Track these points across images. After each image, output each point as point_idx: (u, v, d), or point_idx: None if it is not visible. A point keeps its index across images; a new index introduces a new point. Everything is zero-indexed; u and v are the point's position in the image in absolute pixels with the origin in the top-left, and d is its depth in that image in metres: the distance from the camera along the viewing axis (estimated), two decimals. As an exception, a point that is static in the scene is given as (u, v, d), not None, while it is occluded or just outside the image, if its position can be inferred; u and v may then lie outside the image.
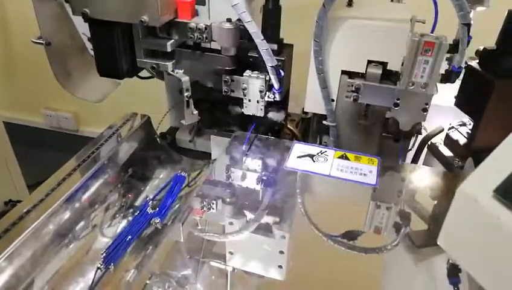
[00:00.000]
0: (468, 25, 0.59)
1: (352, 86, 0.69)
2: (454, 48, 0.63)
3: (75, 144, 2.03)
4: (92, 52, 0.79)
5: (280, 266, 0.59)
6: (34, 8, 0.74)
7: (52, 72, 0.80)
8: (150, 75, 0.84)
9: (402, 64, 0.66)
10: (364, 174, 0.66)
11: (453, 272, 0.58)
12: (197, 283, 0.58)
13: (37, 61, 1.75)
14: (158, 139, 0.82)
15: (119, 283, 0.57)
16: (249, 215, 0.65)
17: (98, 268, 0.58)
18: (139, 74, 0.88)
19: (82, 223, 0.63)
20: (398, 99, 0.66)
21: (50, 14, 0.76)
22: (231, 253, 0.61)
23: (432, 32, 0.69)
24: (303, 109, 0.94)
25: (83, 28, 0.77)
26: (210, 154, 0.87)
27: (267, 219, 0.65)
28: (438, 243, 0.45)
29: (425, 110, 0.65)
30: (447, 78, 0.66)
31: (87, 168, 0.68)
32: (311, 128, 0.86)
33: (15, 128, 1.71)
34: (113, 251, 0.62)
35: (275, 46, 0.68)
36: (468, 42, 0.61)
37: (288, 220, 0.66)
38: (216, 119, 0.83)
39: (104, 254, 0.60)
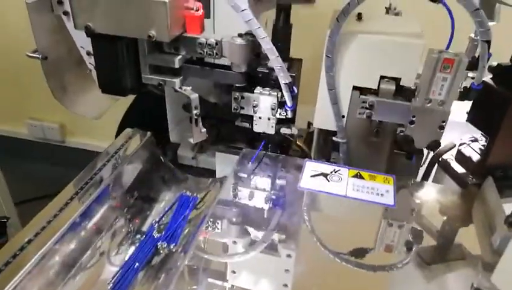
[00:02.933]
0: (489, 42, 0.58)
1: (365, 102, 0.67)
2: (472, 65, 0.62)
3: (61, 155, 1.98)
4: (90, 67, 0.76)
5: (285, 285, 0.56)
6: (30, 21, 0.70)
7: (43, 84, 0.76)
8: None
9: (417, 80, 0.64)
10: (381, 195, 0.64)
11: (478, 296, 0.56)
12: None
13: (20, 71, 1.70)
14: (162, 158, 0.79)
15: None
16: (256, 235, 0.63)
17: (106, 300, 0.54)
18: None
19: (89, 252, 0.60)
20: (413, 116, 0.64)
21: (47, 27, 0.72)
22: (234, 272, 0.59)
23: (447, 48, 0.67)
24: (308, 123, 0.93)
25: (81, 41, 0.73)
26: (213, 171, 0.84)
27: (273, 237, 0.63)
28: (492, 280, 0.43)
29: (441, 127, 0.64)
30: (465, 95, 0.65)
31: (90, 193, 0.64)
32: (317, 144, 0.84)
33: (-2, 139, 1.65)
34: (121, 280, 0.58)
35: (286, 65, 0.66)
36: (488, 59, 0.60)
37: (294, 238, 0.64)
38: (221, 136, 0.80)
39: (111, 285, 0.57)
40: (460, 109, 0.72)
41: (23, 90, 1.78)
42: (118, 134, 0.97)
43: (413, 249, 0.62)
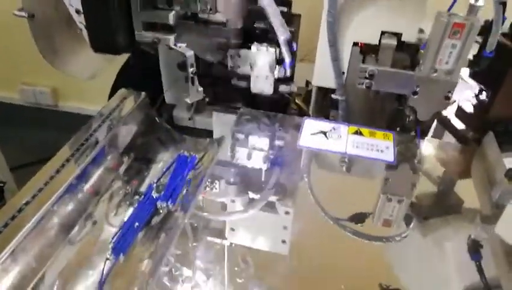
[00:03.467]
0: (504, 4, 0.54)
1: (365, 71, 0.65)
2: (484, 30, 0.58)
3: (54, 120, 1.95)
4: (80, 26, 0.73)
5: (284, 241, 0.57)
6: (14, -23, 0.67)
7: (34, 46, 0.74)
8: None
9: (419, 34, 0.62)
10: (381, 151, 0.64)
11: (475, 248, 0.57)
12: (195, 260, 0.57)
13: (9, 34, 1.64)
14: (158, 119, 0.77)
15: (134, 273, 0.53)
16: (255, 194, 0.63)
17: (107, 259, 0.55)
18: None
19: (87, 214, 0.59)
20: (417, 86, 0.61)
21: (32, -17, 0.69)
22: (232, 230, 0.59)
23: (449, 10, 0.65)
24: (306, 81, 0.91)
25: (69, -2, 0.70)
26: (210, 131, 0.83)
27: (272, 196, 0.63)
28: (496, 231, 0.43)
29: (447, 98, 0.61)
30: (476, 63, 0.62)
31: (85, 154, 0.63)
32: (316, 102, 0.82)
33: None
34: (121, 239, 0.58)
35: (285, 9, 0.63)
36: (503, 23, 0.57)
37: (293, 196, 0.64)
38: (218, 96, 0.79)
39: (112, 244, 0.57)
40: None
41: (13, 55, 1.73)
42: (110, 97, 0.95)
43: (412, 224, 0.62)
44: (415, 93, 0.62)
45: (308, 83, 0.91)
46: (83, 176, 0.61)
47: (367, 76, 0.64)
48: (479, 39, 0.62)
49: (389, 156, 0.63)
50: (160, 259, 0.55)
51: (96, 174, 0.63)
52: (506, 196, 0.56)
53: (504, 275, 0.52)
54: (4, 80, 1.85)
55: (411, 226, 0.60)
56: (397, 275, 0.55)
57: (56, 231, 0.55)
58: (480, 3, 0.57)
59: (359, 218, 0.61)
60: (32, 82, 1.83)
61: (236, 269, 0.57)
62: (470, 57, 0.61)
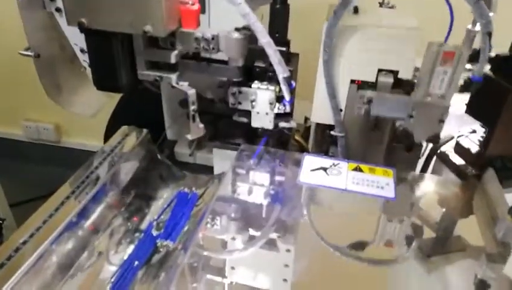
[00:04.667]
0: (490, 34, 0.57)
1: (363, 97, 0.67)
2: (471, 57, 0.61)
3: (57, 156, 1.96)
4: (84, 64, 0.75)
5: (285, 280, 0.56)
6: (21, 19, 0.69)
7: (38, 83, 0.75)
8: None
9: (415, 73, 0.64)
10: (382, 187, 0.64)
11: (483, 288, 0.56)
12: None
13: (13, 71, 1.68)
14: (159, 155, 0.78)
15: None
16: (255, 231, 0.62)
17: (106, 299, 0.54)
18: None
19: (86, 253, 0.59)
20: (413, 110, 0.63)
21: (39, 24, 0.71)
22: (233, 268, 0.58)
23: (445, 41, 0.67)
24: (305, 118, 0.92)
25: (74, 38, 0.72)
26: (210, 167, 0.83)
27: (272, 233, 0.62)
28: (504, 272, 0.42)
29: (441, 121, 0.63)
30: (466, 88, 0.64)
31: (86, 191, 0.63)
32: (315, 139, 0.83)
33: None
34: (120, 279, 0.57)
35: (284, 48, 0.65)
36: (489, 51, 0.59)
37: (294, 233, 0.63)
38: (218, 132, 0.79)
39: (111, 284, 0.56)
40: (458, 102, 0.72)
41: (17, 91, 1.76)
42: (106, 135, 0.96)
43: (414, 244, 0.62)
44: (410, 116, 0.64)
45: (306, 119, 0.92)
46: (83, 214, 0.61)
47: (365, 101, 0.66)
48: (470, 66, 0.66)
49: (390, 192, 0.63)
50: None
51: (97, 212, 0.63)
52: (511, 233, 0.56)
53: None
54: (8, 116, 1.87)
55: (412, 246, 0.60)
56: None
57: (54, 271, 0.55)
58: (477, 28, 0.59)
59: (360, 246, 0.60)
60: (35, 118, 1.86)
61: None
62: (461, 82, 0.64)
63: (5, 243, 0.53)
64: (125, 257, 0.59)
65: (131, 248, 0.62)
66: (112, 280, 0.57)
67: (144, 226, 0.67)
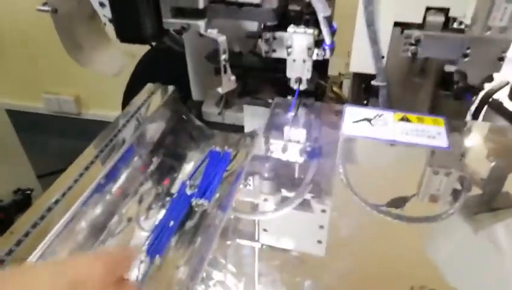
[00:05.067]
0: None
1: (410, 37, 0.60)
2: None
3: (78, 128, 1.95)
4: (103, 20, 0.70)
5: (319, 241, 0.53)
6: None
7: (56, 55, 0.72)
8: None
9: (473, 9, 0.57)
10: (433, 137, 0.58)
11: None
12: (227, 264, 0.52)
13: (31, 44, 1.65)
14: (187, 114, 0.73)
15: (170, 280, 0.49)
16: (289, 191, 0.58)
17: (141, 262, 0.51)
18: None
19: (116, 217, 0.55)
20: (468, 48, 0.57)
21: (54, -23, 0.67)
22: (265, 230, 0.55)
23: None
24: (339, 73, 0.86)
25: (92, -10, 0.68)
26: (241, 127, 0.78)
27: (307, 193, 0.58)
28: None
29: (501, 59, 0.57)
30: None
31: (112, 154, 0.59)
32: (353, 91, 0.77)
33: (14, 114, 1.62)
34: (156, 240, 0.54)
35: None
36: None
37: (329, 192, 0.59)
38: (248, 88, 0.74)
39: (146, 247, 0.53)
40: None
41: (36, 64, 1.74)
42: (124, 100, 0.92)
43: (460, 199, 0.56)
44: (465, 55, 0.57)
45: (340, 74, 0.86)
46: (110, 177, 0.57)
47: (412, 42, 0.60)
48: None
49: (443, 141, 0.58)
50: (199, 265, 0.50)
51: (124, 175, 0.59)
52: None
53: None
54: (27, 90, 1.86)
55: (459, 202, 0.54)
56: (441, 275, 0.49)
57: (85, 235, 0.52)
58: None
59: (399, 202, 0.56)
60: (55, 91, 1.83)
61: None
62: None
63: (34, 203, 0.51)
64: (157, 223, 0.56)
65: (163, 212, 0.58)
66: (147, 241, 0.54)
67: (174, 189, 0.63)
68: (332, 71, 0.82)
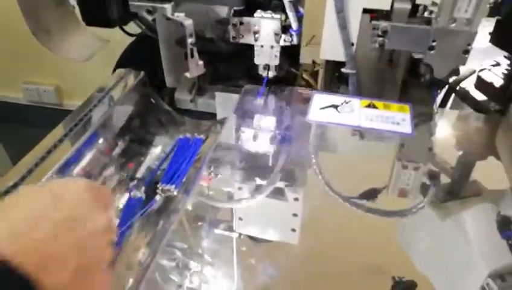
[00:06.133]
0: None
1: (377, 28, 0.60)
2: None
3: (58, 119, 1.92)
4: (72, 2, 0.69)
5: (293, 230, 0.53)
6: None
7: (36, 45, 0.70)
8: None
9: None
10: (397, 123, 0.59)
11: (505, 225, 0.52)
12: (203, 254, 0.52)
13: (10, 33, 1.62)
14: (158, 100, 0.73)
15: (129, 264, 0.49)
16: (262, 179, 0.58)
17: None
18: (128, 31, 0.79)
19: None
20: (434, 41, 0.57)
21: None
22: (240, 219, 0.55)
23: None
24: (312, 61, 0.86)
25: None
26: (213, 114, 0.78)
27: (280, 182, 0.59)
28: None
29: (466, 51, 0.56)
30: (496, 11, 0.57)
31: (78, 136, 0.59)
32: (324, 79, 0.77)
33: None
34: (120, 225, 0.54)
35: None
36: None
37: (302, 180, 0.60)
38: (219, 75, 0.74)
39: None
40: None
41: (16, 53, 1.71)
42: None
43: (429, 193, 0.57)
44: (431, 48, 0.57)
45: (314, 62, 0.86)
46: (74, 159, 0.57)
47: (380, 33, 0.59)
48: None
49: (406, 127, 0.58)
50: (158, 248, 0.50)
51: (88, 157, 0.59)
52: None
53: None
54: (6, 79, 1.82)
55: (428, 196, 0.55)
56: (412, 263, 0.50)
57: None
58: None
59: (371, 194, 0.56)
60: (35, 81, 1.81)
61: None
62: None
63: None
64: (120, 206, 0.55)
65: (126, 196, 0.57)
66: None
67: (139, 174, 0.63)
68: (307, 60, 0.82)
